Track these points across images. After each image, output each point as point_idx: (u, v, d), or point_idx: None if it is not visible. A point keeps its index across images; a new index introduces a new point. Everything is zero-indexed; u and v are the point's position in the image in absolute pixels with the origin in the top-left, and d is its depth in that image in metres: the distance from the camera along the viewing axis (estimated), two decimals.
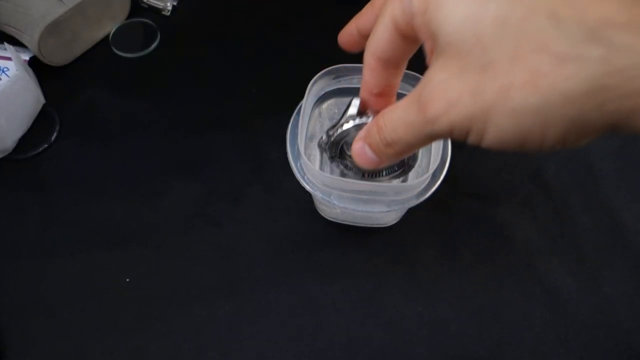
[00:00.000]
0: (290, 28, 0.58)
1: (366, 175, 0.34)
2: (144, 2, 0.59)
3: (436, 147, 0.36)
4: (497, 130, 0.19)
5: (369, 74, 0.26)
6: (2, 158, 0.48)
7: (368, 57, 0.25)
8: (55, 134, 0.50)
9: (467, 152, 0.48)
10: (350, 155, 0.27)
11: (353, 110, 0.29)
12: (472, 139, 0.20)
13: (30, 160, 0.49)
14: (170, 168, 0.48)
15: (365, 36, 0.25)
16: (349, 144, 0.30)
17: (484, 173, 0.48)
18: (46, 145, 0.49)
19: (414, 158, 0.33)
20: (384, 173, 0.34)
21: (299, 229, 0.45)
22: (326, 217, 0.45)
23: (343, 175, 0.34)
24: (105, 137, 0.50)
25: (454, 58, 0.19)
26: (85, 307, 0.41)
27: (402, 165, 0.33)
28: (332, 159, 0.32)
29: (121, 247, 0.44)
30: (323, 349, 0.40)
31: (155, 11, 0.59)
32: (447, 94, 0.19)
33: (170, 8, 0.58)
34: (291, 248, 0.44)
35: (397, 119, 0.22)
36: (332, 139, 0.31)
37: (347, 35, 0.27)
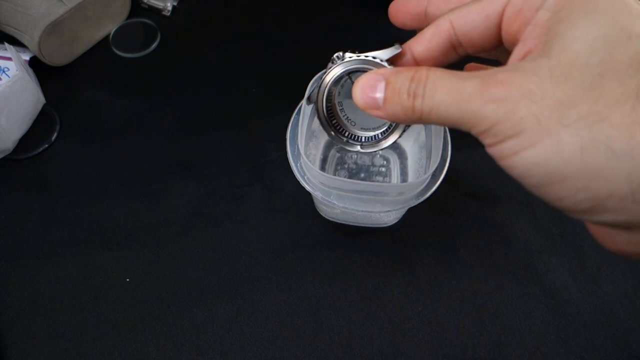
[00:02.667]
0: (290, 28, 0.58)
1: (345, 134, 0.30)
2: (144, 2, 0.59)
3: (436, 147, 0.36)
4: (549, 152, 0.17)
5: (432, 34, 0.23)
6: (2, 158, 0.48)
7: (444, 21, 0.22)
8: (55, 134, 0.50)
9: (467, 152, 0.48)
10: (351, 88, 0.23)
11: (385, 54, 0.25)
12: (509, 146, 0.18)
13: (30, 160, 0.49)
14: (170, 168, 0.48)
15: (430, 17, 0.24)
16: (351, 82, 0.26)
17: (484, 173, 0.48)
18: (46, 145, 0.49)
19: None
20: (362, 138, 0.30)
21: (299, 229, 0.45)
22: (326, 217, 0.45)
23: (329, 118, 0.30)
24: (105, 137, 0.50)
25: (561, 66, 0.18)
26: (85, 307, 0.41)
27: (379, 138, 0.30)
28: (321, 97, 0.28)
29: (121, 247, 0.44)
30: (323, 349, 0.40)
31: (155, 11, 0.59)
32: (528, 86, 0.18)
33: (170, 8, 0.58)
34: (291, 248, 0.44)
35: (446, 79, 0.19)
36: (341, 65, 0.26)
37: (414, 4, 0.24)
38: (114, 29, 0.57)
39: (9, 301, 0.41)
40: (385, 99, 0.21)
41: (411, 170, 0.45)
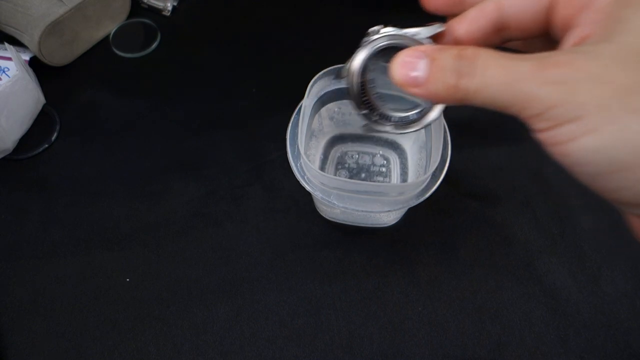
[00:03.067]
0: (290, 28, 0.58)
1: (373, 113, 0.29)
2: (144, 2, 0.59)
3: (436, 147, 0.36)
4: (613, 139, 0.16)
5: (476, 15, 0.22)
6: (2, 158, 0.48)
7: (490, 2, 0.22)
8: (55, 134, 0.50)
9: (467, 152, 0.48)
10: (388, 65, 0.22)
11: (427, 32, 0.24)
12: (565, 131, 0.17)
13: (30, 160, 0.49)
14: (170, 168, 0.48)
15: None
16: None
17: (484, 173, 0.48)
18: (46, 145, 0.49)
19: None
20: (393, 118, 0.29)
21: (299, 229, 0.45)
22: (326, 217, 0.45)
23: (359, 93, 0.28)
24: (105, 137, 0.50)
25: (626, 51, 0.17)
26: (85, 307, 0.41)
27: (413, 120, 0.29)
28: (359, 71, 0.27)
29: (121, 247, 0.44)
30: (323, 349, 0.40)
31: (155, 11, 0.59)
32: (591, 69, 0.17)
33: (170, 8, 0.58)
34: (291, 248, 0.44)
35: (497, 58, 0.19)
36: (378, 40, 0.25)
37: None
38: (114, 29, 0.57)
39: (9, 301, 0.41)
40: (427, 77, 0.20)
41: (411, 170, 0.45)
